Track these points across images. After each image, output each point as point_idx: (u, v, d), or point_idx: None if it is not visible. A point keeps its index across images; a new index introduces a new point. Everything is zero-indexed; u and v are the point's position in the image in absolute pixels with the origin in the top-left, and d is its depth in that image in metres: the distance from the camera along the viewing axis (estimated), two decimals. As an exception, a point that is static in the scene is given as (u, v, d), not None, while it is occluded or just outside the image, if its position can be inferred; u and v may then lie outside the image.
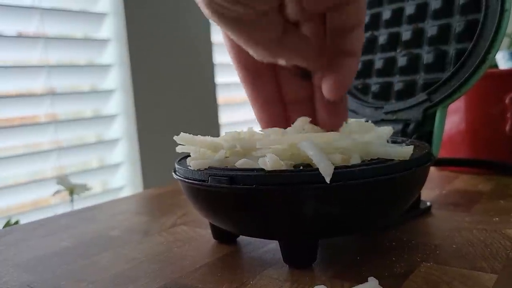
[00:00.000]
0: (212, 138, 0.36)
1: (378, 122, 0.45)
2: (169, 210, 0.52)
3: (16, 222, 0.75)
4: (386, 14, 0.52)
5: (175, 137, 0.36)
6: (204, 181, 0.33)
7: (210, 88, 1.25)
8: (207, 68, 1.24)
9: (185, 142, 0.36)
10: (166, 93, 1.13)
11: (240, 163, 0.32)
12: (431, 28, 0.48)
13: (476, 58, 0.43)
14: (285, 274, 0.32)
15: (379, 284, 0.28)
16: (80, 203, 0.81)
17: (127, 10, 1.04)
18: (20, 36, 0.94)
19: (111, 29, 1.04)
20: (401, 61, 0.50)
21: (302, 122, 0.36)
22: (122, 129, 1.07)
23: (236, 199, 0.32)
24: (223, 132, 1.27)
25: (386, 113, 0.48)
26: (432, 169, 0.63)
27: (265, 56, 0.33)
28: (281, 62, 0.34)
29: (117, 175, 1.07)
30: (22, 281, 0.34)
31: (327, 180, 0.29)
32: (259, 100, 0.37)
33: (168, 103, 1.13)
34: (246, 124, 0.38)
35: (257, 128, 0.40)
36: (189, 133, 0.36)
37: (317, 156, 0.29)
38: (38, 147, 0.95)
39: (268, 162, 0.30)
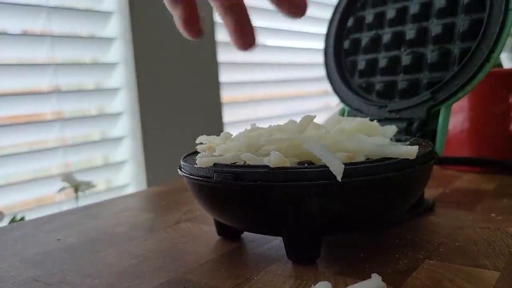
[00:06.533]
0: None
1: (382, 121, 0.45)
2: (173, 207, 0.52)
3: (22, 219, 0.76)
4: (391, 13, 0.52)
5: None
6: (209, 177, 0.33)
7: (214, 86, 1.25)
8: (212, 67, 1.24)
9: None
10: (171, 91, 1.13)
11: (245, 156, 0.33)
12: (435, 27, 0.48)
13: (480, 57, 0.43)
14: (289, 270, 0.33)
15: (382, 280, 0.28)
16: (85, 201, 0.82)
17: (133, 9, 1.04)
18: (25, 34, 0.94)
19: (116, 27, 1.04)
20: (405, 60, 0.50)
21: (306, 120, 0.37)
22: (126, 127, 1.07)
23: (241, 195, 0.32)
24: (226, 130, 1.28)
25: (390, 111, 0.48)
26: (436, 167, 0.63)
27: None
28: None
29: (122, 173, 1.08)
30: (29, 275, 0.35)
31: (338, 178, 0.29)
32: None
33: (172, 101, 1.14)
34: (249, 123, 0.38)
35: (260, 125, 0.40)
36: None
37: (326, 156, 0.30)
38: (43, 145, 0.96)
39: (272, 159, 0.30)
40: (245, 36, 0.37)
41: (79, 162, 1.01)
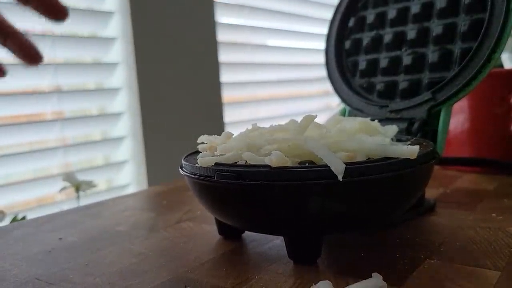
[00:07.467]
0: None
1: (383, 121, 0.45)
2: (174, 207, 0.52)
3: (23, 218, 0.76)
4: (392, 13, 0.52)
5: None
6: (210, 177, 0.33)
7: (215, 87, 1.25)
8: (213, 67, 1.24)
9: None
10: (172, 91, 1.13)
11: (246, 155, 0.33)
12: (436, 27, 0.48)
13: (481, 58, 0.43)
14: (290, 269, 0.33)
15: (383, 280, 0.28)
16: (86, 200, 0.82)
17: (133, 9, 1.04)
18: (26, 34, 0.94)
19: (117, 27, 1.05)
20: (406, 60, 0.50)
21: (307, 120, 0.37)
22: (127, 127, 1.07)
23: (242, 194, 0.32)
24: (227, 130, 1.28)
25: (391, 111, 0.48)
26: (437, 168, 0.63)
27: None
28: None
29: (122, 172, 1.08)
30: (31, 274, 0.35)
31: (339, 177, 0.29)
32: None
33: (173, 101, 1.14)
34: (250, 123, 0.39)
35: (261, 125, 0.40)
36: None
37: (327, 155, 0.30)
38: (44, 144, 0.96)
39: (273, 158, 0.30)
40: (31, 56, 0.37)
41: (80, 162, 1.01)
